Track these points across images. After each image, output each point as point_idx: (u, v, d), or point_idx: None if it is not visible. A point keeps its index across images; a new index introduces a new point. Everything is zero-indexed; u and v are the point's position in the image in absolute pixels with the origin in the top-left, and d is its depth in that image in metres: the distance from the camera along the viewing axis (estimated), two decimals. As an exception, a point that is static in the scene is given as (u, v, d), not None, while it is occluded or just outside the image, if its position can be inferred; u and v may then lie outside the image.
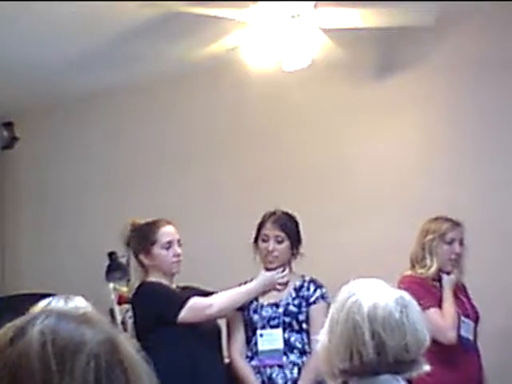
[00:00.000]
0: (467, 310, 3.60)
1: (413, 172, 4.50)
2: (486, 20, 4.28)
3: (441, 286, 3.58)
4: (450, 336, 3.41)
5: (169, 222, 3.56)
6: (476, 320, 3.62)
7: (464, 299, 3.65)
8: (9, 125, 5.86)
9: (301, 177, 4.81)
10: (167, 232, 3.50)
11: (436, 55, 4.43)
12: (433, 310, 3.39)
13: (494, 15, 4.24)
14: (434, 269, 3.56)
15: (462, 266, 3.65)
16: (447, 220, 3.62)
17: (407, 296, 1.89)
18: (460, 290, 3.66)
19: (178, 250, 3.49)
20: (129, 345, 0.94)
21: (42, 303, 0.92)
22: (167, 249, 3.47)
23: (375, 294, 1.87)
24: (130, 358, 0.92)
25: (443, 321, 3.41)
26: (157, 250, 3.48)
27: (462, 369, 3.46)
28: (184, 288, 3.55)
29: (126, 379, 0.90)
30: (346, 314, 1.84)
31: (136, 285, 3.65)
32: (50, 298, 0.98)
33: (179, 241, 3.53)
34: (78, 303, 0.90)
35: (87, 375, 0.87)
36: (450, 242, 3.59)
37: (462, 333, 3.50)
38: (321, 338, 1.92)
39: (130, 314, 3.95)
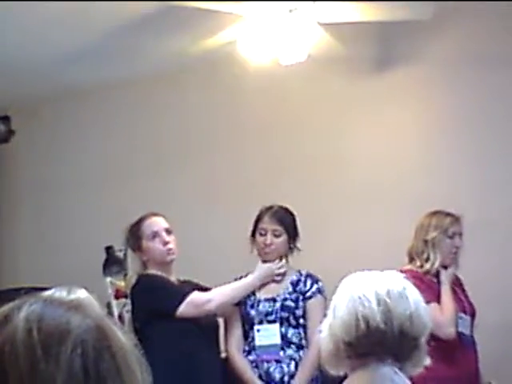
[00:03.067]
0: (463, 304, 3.61)
1: (411, 166, 4.50)
2: (484, 14, 4.28)
3: (438, 280, 3.58)
4: (449, 332, 3.42)
5: (155, 214, 3.56)
6: (472, 315, 3.63)
7: (460, 294, 3.65)
8: (5, 118, 5.84)
9: (298, 171, 4.81)
10: (151, 223, 3.51)
11: (434, 49, 4.42)
12: (432, 305, 3.39)
13: (492, 10, 4.24)
14: (437, 263, 3.56)
15: (457, 260, 3.66)
16: (448, 214, 3.62)
17: (406, 280, 1.93)
18: (456, 285, 3.66)
19: (166, 238, 3.47)
20: (119, 332, 0.93)
21: (44, 293, 0.91)
22: (153, 238, 3.47)
23: (377, 276, 1.91)
24: (119, 346, 0.91)
25: (443, 316, 3.41)
26: (145, 243, 3.49)
27: (459, 364, 3.47)
28: (184, 282, 3.55)
29: (115, 366, 0.88)
30: (350, 292, 1.87)
31: (133, 279, 3.65)
32: (53, 290, 0.96)
33: (168, 229, 3.51)
34: (81, 295, 0.90)
35: (73, 362, 0.85)
36: (452, 236, 3.60)
37: (460, 328, 3.51)
38: (323, 326, 1.93)
39: (127, 308, 3.96)
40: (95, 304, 0.95)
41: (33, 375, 0.84)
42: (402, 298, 1.84)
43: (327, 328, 1.90)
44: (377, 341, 1.81)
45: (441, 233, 3.58)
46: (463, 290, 3.70)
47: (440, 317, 3.38)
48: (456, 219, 3.61)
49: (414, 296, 1.88)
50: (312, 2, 3.71)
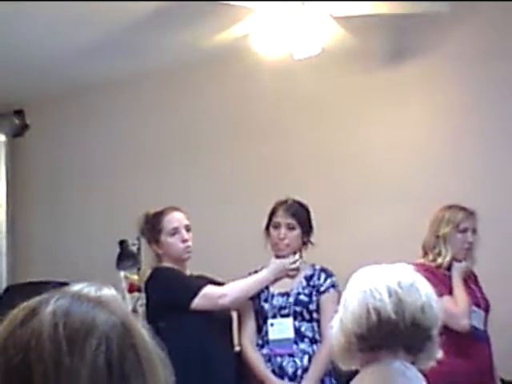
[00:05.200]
0: (477, 299, 3.59)
1: (423, 160, 4.48)
2: (499, 10, 4.25)
3: (451, 274, 3.57)
4: (463, 323, 3.40)
5: (176, 209, 3.56)
6: (486, 309, 3.61)
7: (475, 288, 3.63)
8: (19, 113, 5.88)
9: (311, 165, 4.80)
10: (172, 219, 3.50)
11: (447, 43, 4.40)
12: (446, 298, 3.38)
13: (507, 6, 4.21)
14: (448, 258, 3.55)
15: (473, 255, 3.65)
16: (461, 209, 3.61)
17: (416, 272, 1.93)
18: (471, 279, 3.65)
19: (185, 236, 3.48)
20: (143, 330, 0.93)
21: (71, 288, 0.91)
22: (173, 235, 3.47)
23: (387, 269, 1.90)
24: (143, 344, 0.91)
25: (456, 308, 3.40)
26: (164, 237, 3.49)
27: (472, 358, 3.45)
28: (197, 277, 3.56)
29: (138, 364, 0.89)
30: (360, 285, 1.86)
31: (147, 273, 3.66)
32: (81, 285, 0.96)
33: (187, 226, 3.52)
34: (107, 292, 0.90)
35: (98, 358, 0.86)
36: (464, 231, 3.59)
37: (473, 322, 3.49)
38: (334, 322, 1.92)
39: (140, 302, 3.97)
40: (121, 301, 0.96)
41: (57, 370, 0.85)
42: (413, 289, 1.84)
43: (338, 322, 1.90)
44: (389, 332, 1.80)
45: (453, 228, 3.57)
46: (478, 285, 3.68)
47: (454, 308, 3.37)
48: (469, 214, 3.60)
49: (425, 288, 1.87)
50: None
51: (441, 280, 3.42)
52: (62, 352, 0.85)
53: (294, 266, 3.54)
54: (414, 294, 1.83)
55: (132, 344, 0.90)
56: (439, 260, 3.55)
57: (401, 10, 3.80)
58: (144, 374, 0.89)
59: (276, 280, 3.53)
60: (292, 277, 3.54)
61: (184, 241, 3.47)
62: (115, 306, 0.92)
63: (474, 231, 3.61)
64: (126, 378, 0.87)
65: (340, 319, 1.89)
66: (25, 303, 0.92)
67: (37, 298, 0.92)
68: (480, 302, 3.59)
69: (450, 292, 3.48)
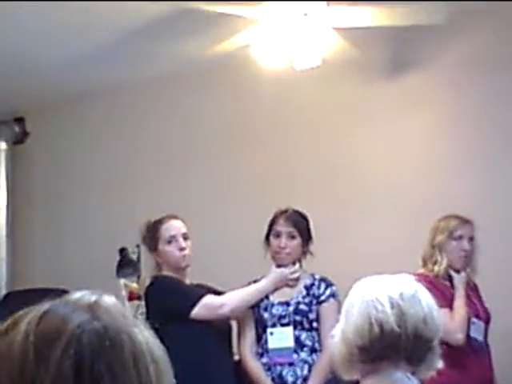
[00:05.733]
0: (478, 310, 3.59)
1: (424, 171, 4.49)
2: (498, 20, 4.27)
3: (452, 285, 3.56)
4: (458, 338, 3.40)
5: (175, 217, 3.56)
6: (487, 320, 3.61)
7: (475, 299, 3.63)
8: (20, 120, 5.88)
9: (311, 175, 4.81)
10: (170, 227, 3.51)
11: (448, 54, 4.41)
12: (442, 311, 3.38)
13: (505, 16, 4.23)
14: (444, 265, 3.55)
15: (473, 264, 3.64)
16: (456, 217, 3.62)
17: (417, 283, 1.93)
18: (471, 290, 3.64)
19: (182, 244, 3.47)
20: (142, 339, 0.88)
21: (72, 296, 0.88)
22: (170, 243, 3.48)
23: (388, 280, 1.90)
24: (133, 350, 0.86)
25: (452, 322, 3.39)
26: (162, 246, 3.50)
27: (471, 370, 3.44)
28: (197, 286, 3.56)
29: (118, 371, 0.83)
30: (362, 296, 1.86)
31: (147, 281, 3.66)
32: (83, 293, 0.93)
33: (184, 234, 3.51)
34: (103, 299, 0.86)
35: (63, 362, 0.81)
36: (459, 239, 3.58)
37: (472, 334, 3.49)
38: (335, 332, 1.92)
39: (140, 310, 3.97)
40: (117, 310, 0.90)
41: (22, 378, 0.82)
42: (415, 301, 1.84)
43: (340, 332, 1.89)
44: (391, 344, 1.80)
45: (447, 236, 3.58)
46: (478, 295, 3.68)
47: (449, 323, 3.35)
48: (464, 222, 3.60)
49: (427, 298, 1.88)
50: (326, 6, 3.71)
51: (440, 290, 3.42)
52: (28, 361, 0.82)
53: (294, 275, 3.54)
54: (416, 305, 1.83)
55: (112, 349, 0.84)
56: (436, 268, 3.56)
57: (401, 21, 3.82)
58: (124, 380, 0.84)
59: (276, 289, 3.53)
60: (292, 286, 3.54)
61: (181, 249, 3.47)
62: (103, 312, 0.87)
63: (471, 239, 3.61)
64: (98, 382, 0.82)
65: (341, 330, 1.88)
66: (18, 312, 0.90)
67: (26, 309, 0.89)
68: (480, 312, 3.59)
69: (449, 303, 3.48)
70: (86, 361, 0.82)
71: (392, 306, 1.80)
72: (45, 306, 0.88)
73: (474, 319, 3.51)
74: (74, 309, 0.87)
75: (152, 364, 0.87)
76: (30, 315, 0.87)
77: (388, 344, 1.80)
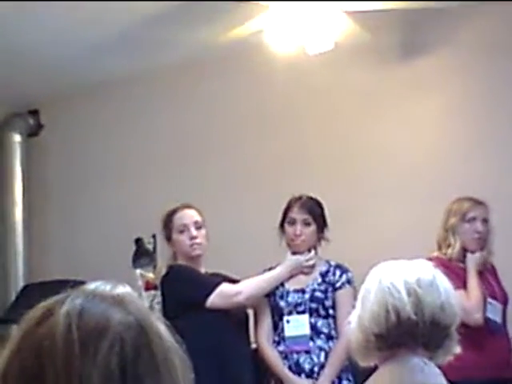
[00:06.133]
0: (495, 291, 3.56)
1: (438, 155, 4.46)
2: (509, 3, 4.22)
3: (465, 267, 3.55)
4: (476, 318, 3.38)
5: (188, 206, 3.56)
6: (505, 302, 3.58)
7: (492, 281, 3.61)
8: (34, 112, 5.89)
9: (325, 161, 4.79)
10: (183, 216, 3.51)
11: (461, 36, 4.38)
12: (458, 292, 3.37)
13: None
14: (457, 248, 3.55)
15: (489, 246, 3.62)
16: (469, 199, 3.61)
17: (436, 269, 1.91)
18: (488, 271, 3.62)
19: (193, 233, 3.47)
20: (161, 329, 0.91)
21: (87, 286, 0.90)
22: (182, 232, 3.48)
23: (406, 265, 1.89)
24: (160, 343, 0.89)
25: (468, 302, 3.38)
26: (175, 235, 3.51)
27: (488, 351, 3.42)
28: (212, 274, 3.56)
29: (154, 365, 0.87)
30: (378, 282, 1.84)
31: (163, 271, 3.67)
32: (96, 284, 0.95)
33: (197, 223, 3.51)
34: (124, 291, 0.88)
35: (110, 360, 0.84)
36: (472, 221, 3.56)
37: (489, 315, 3.47)
38: (352, 318, 1.91)
39: (156, 300, 3.98)
40: (139, 300, 0.93)
41: (68, 372, 0.84)
42: (433, 287, 1.82)
43: (356, 319, 1.88)
44: (408, 331, 1.79)
45: (460, 218, 3.57)
46: (495, 277, 3.66)
47: (466, 303, 3.34)
48: (477, 203, 3.58)
49: (445, 284, 1.86)
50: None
51: (454, 272, 3.40)
52: (74, 354, 0.84)
53: (309, 263, 3.53)
54: (434, 292, 1.81)
55: (147, 344, 0.88)
56: (449, 251, 3.55)
57: (413, 5, 3.78)
58: (160, 374, 0.88)
59: (291, 277, 3.53)
60: (307, 273, 3.54)
61: (192, 238, 3.47)
62: (132, 305, 0.91)
63: (485, 221, 3.59)
64: (141, 380, 0.86)
65: (358, 316, 1.88)
66: (42, 303, 0.91)
67: (53, 298, 0.91)
68: (497, 293, 3.56)
69: (464, 285, 3.46)
70: (129, 357, 0.85)
71: (409, 294, 1.79)
72: (74, 298, 0.90)
73: (490, 300, 3.49)
74: (108, 303, 0.90)
75: (175, 355, 0.91)
76: (65, 307, 0.88)
77: (405, 331, 1.79)
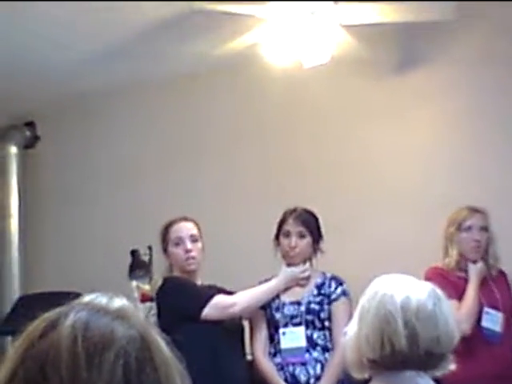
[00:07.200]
0: (496, 300, 3.55)
1: (435, 168, 4.48)
2: (507, 15, 4.25)
3: (467, 276, 3.55)
4: (462, 327, 3.36)
5: (185, 219, 3.56)
6: (510, 311, 3.57)
7: (496, 289, 3.59)
8: (30, 124, 5.90)
9: (321, 173, 4.80)
10: (178, 229, 3.52)
11: (457, 51, 4.40)
12: (451, 302, 3.36)
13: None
14: (454, 257, 3.56)
15: (492, 253, 3.61)
16: (466, 208, 3.62)
17: (438, 290, 1.88)
18: (494, 279, 3.61)
19: (188, 246, 3.47)
20: (162, 343, 0.92)
21: (85, 299, 0.90)
22: (177, 245, 3.48)
23: (407, 287, 1.85)
24: (161, 357, 0.90)
25: (458, 313, 3.37)
26: (170, 248, 3.52)
27: (481, 361, 3.40)
28: (208, 287, 3.56)
29: (156, 378, 0.88)
30: (377, 303, 1.82)
31: (158, 282, 3.67)
32: (94, 295, 0.95)
33: (193, 236, 3.51)
34: (125, 304, 0.89)
35: (115, 372, 0.85)
36: (468, 230, 3.57)
37: (485, 324, 3.46)
38: (349, 329, 1.91)
39: (152, 312, 3.97)
40: (139, 313, 0.95)
41: (74, 383, 0.84)
42: (431, 320, 1.79)
43: (353, 336, 1.88)
44: (402, 361, 1.79)
45: (456, 228, 3.58)
46: (505, 285, 3.64)
47: (456, 313, 3.33)
48: (473, 212, 3.59)
49: (445, 311, 1.83)
50: (333, 4, 3.71)
51: (450, 282, 3.41)
52: (80, 365, 0.84)
53: (304, 274, 3.54)
54: (431, 326, 1.78)
55: (150, 358, 0.89)
56: (447, 260, 3.57)
57: (409, 18, 3.81)
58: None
59: (287, 289, 3.53)
60: (303, 285, 3.54)
61: (187, 251, 3.47)
62: (134, 319, 0.92)
63: (484, 229, 3.59)
64: None
65: (355, 334, 1.87)
66: (44, 315, 0.91)
67: (56, 311, 0.91)
68: (498, 302, 3.54)
69: (460, 295, 3.46)
70: (133, 370, 0.86)
71: (405, 325, 1.77)
72: (78, 311, 0.90)
73: (487, 309, 3.48)
74: (112, 317, 0.91)
75: (175, 368, 0.92)
76: (70, 319, 0.89)
77: (399, 361, 1.79)
